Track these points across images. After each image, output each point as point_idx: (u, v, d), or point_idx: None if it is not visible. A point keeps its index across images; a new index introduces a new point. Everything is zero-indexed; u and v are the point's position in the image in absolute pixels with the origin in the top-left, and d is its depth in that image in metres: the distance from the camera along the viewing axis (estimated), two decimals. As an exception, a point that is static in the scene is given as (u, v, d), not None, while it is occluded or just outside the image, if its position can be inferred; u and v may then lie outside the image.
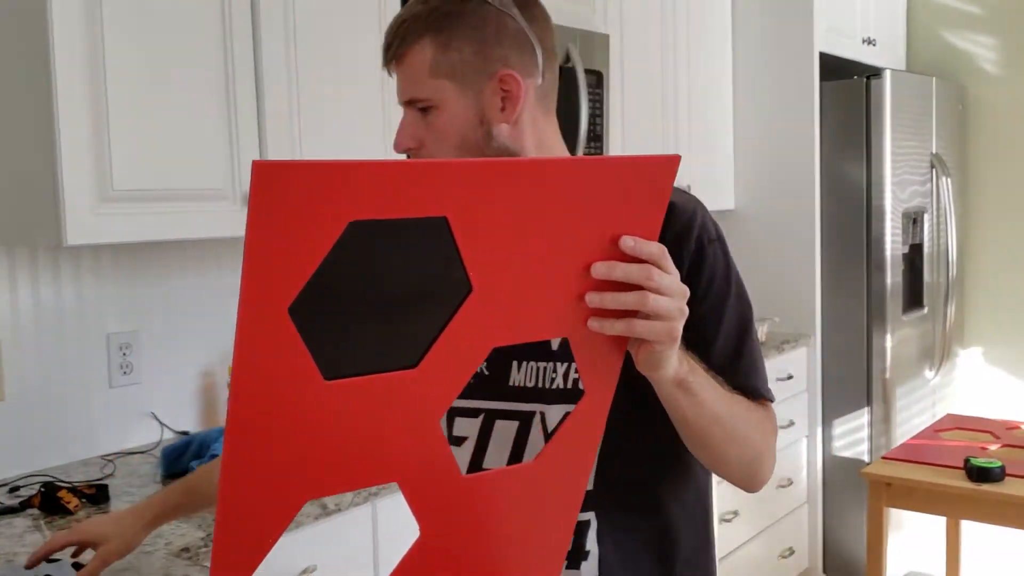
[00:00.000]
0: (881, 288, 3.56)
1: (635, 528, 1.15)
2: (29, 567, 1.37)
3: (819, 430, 3.66)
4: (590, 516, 1.13)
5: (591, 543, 1.14)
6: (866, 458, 3.58)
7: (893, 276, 3.58)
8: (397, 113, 1.16)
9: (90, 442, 2.11)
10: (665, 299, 0.89)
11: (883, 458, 2.71)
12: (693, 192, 3.49)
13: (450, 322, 0.84)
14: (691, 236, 1.11)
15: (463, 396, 0.85)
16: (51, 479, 1.90)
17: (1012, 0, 4.06)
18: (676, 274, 0.91)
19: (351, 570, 1.86)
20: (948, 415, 3.16)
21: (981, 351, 4.21)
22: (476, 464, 1.16)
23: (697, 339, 1.00)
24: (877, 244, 3.55)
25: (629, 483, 1.14)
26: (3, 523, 1.70)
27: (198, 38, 1.89)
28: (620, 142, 3.04)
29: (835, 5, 3.66)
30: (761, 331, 3.41)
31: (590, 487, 1.10)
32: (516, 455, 1.13)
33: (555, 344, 1.12)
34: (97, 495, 1.79)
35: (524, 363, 1.13)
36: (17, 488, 1.88)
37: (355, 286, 0.79)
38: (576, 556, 1.13)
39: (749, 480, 1.13)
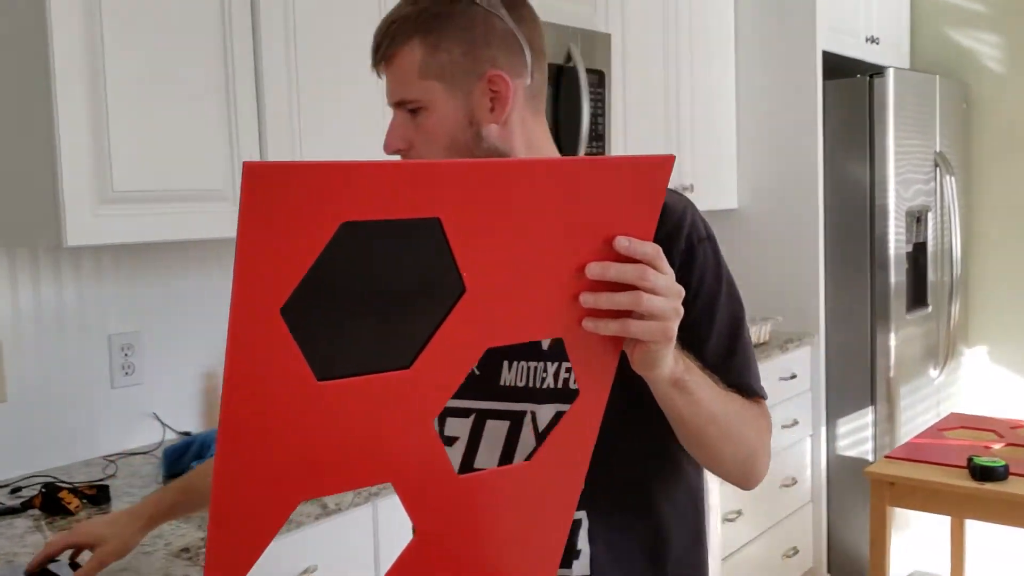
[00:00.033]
0: (885, 287, 3.55)
1: (627, 527, 1.15)
2: (30, 574, 1.37)
3: (823, 429, 3.65)
4: (582, 515, 1.13)
5: (582, 542, 1.14)
6: (870, 457, 3.58)
7: (897, 275, 3.57)
8: (397, 114, 1.16)
9: (92, 443, 2.11)
10: (660, 299, 0.88)
11: (886, 457, 2.70)
12: (697, 192, 3.52)
13: (444, 322, 0.83)
14: (681, 235, 1.11)
15: (454, 396, 0.85)
16: (52, 480, 1.90)
17: (1016, -2, 4.06)
18: (671, 274, 0.91)
19: (352, 570, 1.86)
20: (952, 414, 3.16)
21: (986, 350, 4.20)
22: (467, 464, 1.16)
23: (690, 338, 1.00)
24: (881, 243, 3.54)
25: (621, 482, 1.14)
26: (4, 524, 1.70)
27: (198, 38, 1.89)
28: (622, 142, 3.04)
29: (838, 4, 3.65)
30: (765, 330, 3.40)
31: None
32: (507, 455, 1.13)
33: (545, 344, 1.12)
34: (98, 496, 1.79)
35: (515, 363, 1.14)
36: (19, 489, 1.88)
37: (348, 287, 0.79)
38: (567, 555, 1.13)
39: (745, 478, 1.13)
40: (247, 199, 0.71)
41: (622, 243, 0.88)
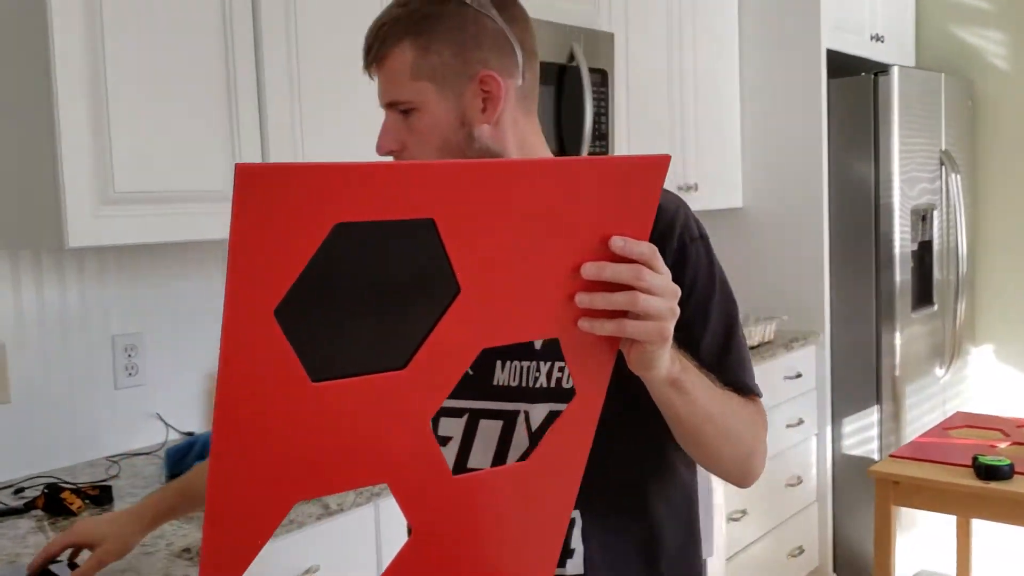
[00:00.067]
0: (890, 285, 3.54)
1: (621, 527, 1.16)
2: (31, 575, 1.38)
3: (828, 428, 3.64)
4: (575, 515, 1.13)
5: (576, 541, 1.14)
6: (876, 456, 3.57)
7: (902, 273, 3.56)
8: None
9: (95, 443, 2.12)
10: (656, 299, 0.88)
11: (891, 456, 2.70)
12: (701, 191, 3.52)
13: (439, 323, 0.83)
14: (673, 235, 1.11)
15: (448, 396, 0.85)
16: (56, 481, 1.91)
17: (1022, -5, 4.04)
18: (667, 274, 0.91)
19: (353, 570, 1.86)
20: (958, 412, 3.15)
21: (992, 348, 4.19)
22: (461, 464, 1.16)
23: (684, 338, 1.00)
24: (886, 241, 3.53)
25: (616, 483, 1.15)
26: (7, 524, 1.71)
27: (199, 39, 1.89)
28: (625, 141, 3.04)
29: (842, 1, 3.64)
30: (769, 329, 3.40)
31: None
32: (501, 454, 1.14)
33: (538, 343, 1.12)
34: (101, 496, 1.80)
35: (508, 362, 1.14)
36: (22, 489, 1.88)
37: (342, 288, 0.79)
38: (561, 554, 1.13)
39: (742, 476, 1.14)
40: (239, 201, 0.71)
41: (617, 243, 0.87)
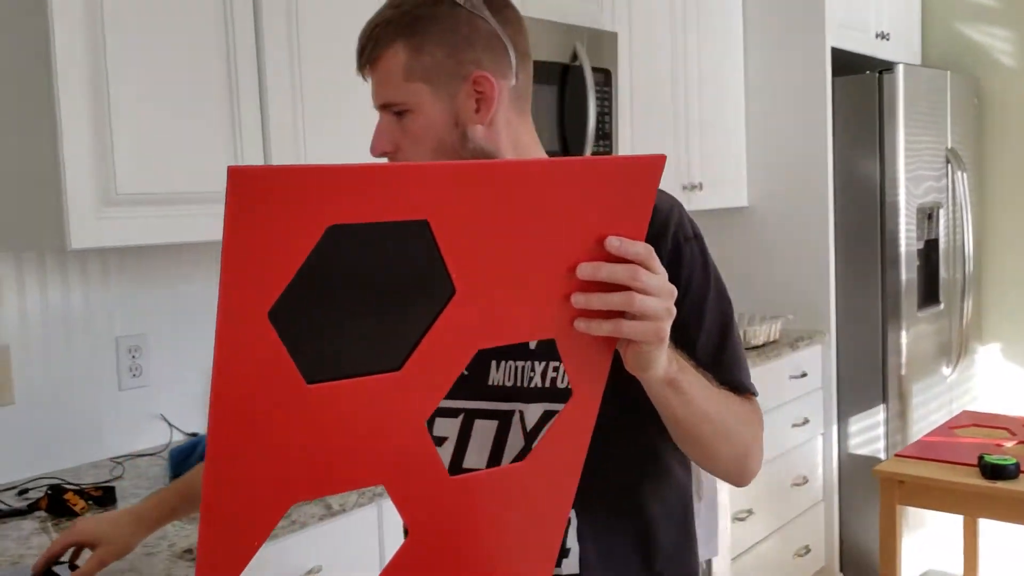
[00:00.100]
0: (896, 284, 3.53)
1: (617, 527, 1.16)
2: None
3: (834, 428, 3.63)
4: (571, 514, 1.13)
5: (571, 541, 1.14)
6: (882, 456, 3.56)
7: (908, 272, 3.55)
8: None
9: (99, 444, 2.12)
10: (652, 299, 0.88)
11: (896, 456, 2.69)
12: (706, 190, 3.52)
13: (434, 325, 0.83)
14: (667, 235, 1.11)
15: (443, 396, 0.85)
16: (59, 482, 1.91)
17: (1028, -8, 4.03)
18: (664, 274, 0.91)
19: (356, 570, 1.86)
20: (964, 412, 3.14)
21: (1000, 347, 4.17)
22: (456, 464, 1.16)
23: (679, 337, 1.00)
24: (891, 240, 3.52)
25: (611, 484, 1.15)
26: (10, 526, 1.71)
27: (200, 40, 1.90)
28: (629, 140, 3.03)
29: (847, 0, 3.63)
30: (775, 328, 3.39)
31: None
32: (496, 454, 1.14)
33: (533, 343, 1.12)
34: (104, 497, 1.80)
35: (503, 362, 1.14)
36: (26, 491, 1.89)
37: (336, 289, 0.79)
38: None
39: (739, 475, 1.14)
40: (232, 203, 0.71)
41: (613, 243, 0.87)
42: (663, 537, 1.18)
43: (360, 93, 2.13)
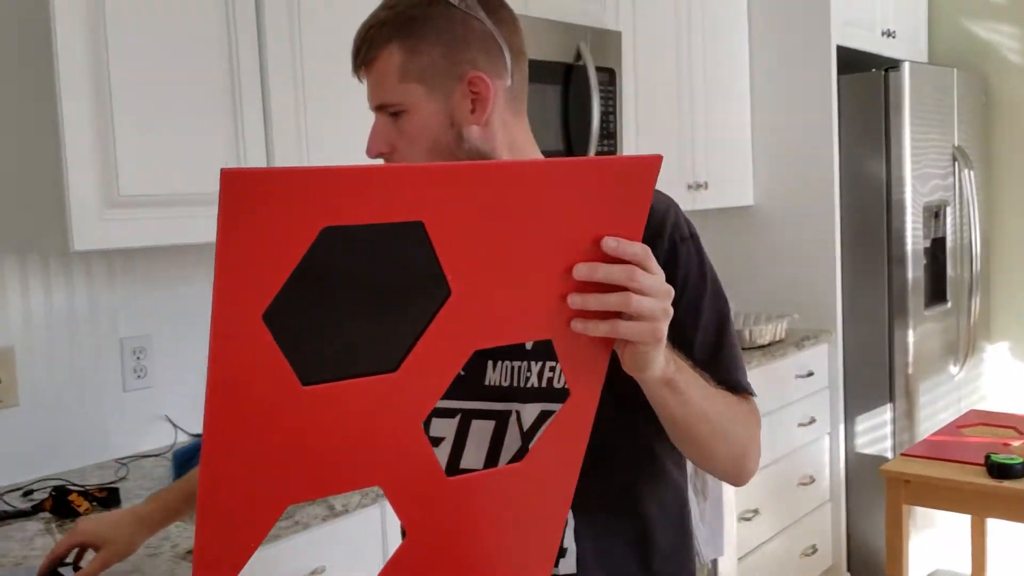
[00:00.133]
0: (902, 283, 3.52)
1: (614, 527, 1.16)
2: None
3: (841, 427, 3.62)
4: (568, 514, 1.13)
5: (568, 540, 1.14)
6: (889, 455, 3.55)
7: (915, 270, 3.54)
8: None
9: (104, 446, 2.13)
10: (649, 300, 0.88)
11: (902, 455, 2.68)
12: (711, 189, 3.51)
13: (430, 325, 0.83)
14: (664, 235, 1.11)
15: (440, 397, 0.85)
16: (64, 483, 1.92)
17: (1035, -11, 4.01)
18: (661, 274, 0.90)
19: (360, 571, 1.86)
20: (971, 410, 3.13)
21: (1008, 346, 4.16)
22: (454, 464, 1.16)
23: (676, 337, 1.00)
24: (898, 238, 3.51)
25: (607, 484, 1.15)
26: (15, 527, 1.72)
27: (203, 42, 1.90)
28: (634, 140, 3.03)
29: (853, -2, 3.63)
30: (781, 328, 3.38)
31: None
32: (493, 454, 1.14)
33: (529, 343, 1.12)
34: (108, 498, 1.81)
35: (499, 362, 1.14)
36: (31, 492, 1.90)
37: (331, 291, 0.79)
38: None
39: (737, 475, 1.14)
40: (225, 206, 0.71)
41: (610, 244, 0.87)
42: (660, 537, 1.18)
43: (363, 93, 2.15)
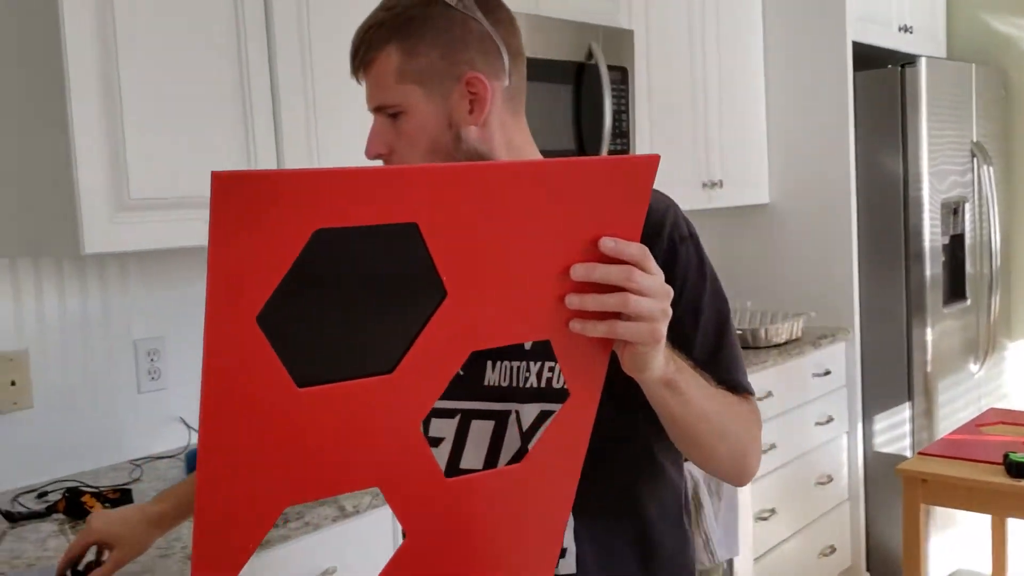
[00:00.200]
0: (920, 280, 3.49)
1: (614, 527, 1.16)
2: None
3: (859, 426, 3.60)
4: None
5: (568, 541, 1.14)
6: (908, 454, 3.52)
7: (933, 268, 3.51)
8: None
9: (118, 447, 2.14)
10: (647, 300, 0.88)
11: (920, 454, 2.66)
12: (726, 187, 3.48)
13: (425, 327, 0.83)
14: (662, 235, 1.10)
15: (439, 397, 0.85)
16: (78, 484, 1.93)
17: (1055, -18, 3.96)
18: (660, 275, 0.90)
19: (370, 572, 1.86)
20: (991, 409, 3.09)
21: (1029, 343, 4.11)
22: (453, 465, 1.17)
23: (675, 337, 1.00)
24: (915, 235, 3.48)
25: (607, 483, 1.14)
26: (29, 528, 1.73)
27: (213, 44, 1.91)
28: (648, 138, 3.02)
29: (868, -7, 3.60)
30: (797, 326, 3.36)
31: None
32: (493, 455, 1.14)
33: (528, 343, 1.11)
34: (121, 499, 1.82)
35: (498, 363, 1.14)
36: (45, 493, 1.91)
37: (326, 293, 0.79)
38: None
39: (737, 475, 1.13)
40: (217, 209, 0.71)
41: (608, 244, 0.87)
42: (660, 538, 1.18)
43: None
